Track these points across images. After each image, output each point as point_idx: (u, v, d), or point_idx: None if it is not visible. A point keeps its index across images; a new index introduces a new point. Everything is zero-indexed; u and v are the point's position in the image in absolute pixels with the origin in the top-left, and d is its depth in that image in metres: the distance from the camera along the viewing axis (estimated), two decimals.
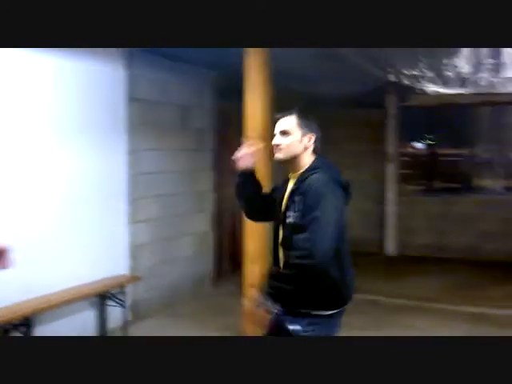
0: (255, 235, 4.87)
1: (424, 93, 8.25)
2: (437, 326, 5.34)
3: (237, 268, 6.07)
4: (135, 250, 5.45)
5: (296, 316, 2.50)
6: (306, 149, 2.58)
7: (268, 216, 2.78)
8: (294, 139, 2.56)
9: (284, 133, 2.59)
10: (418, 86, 7.81)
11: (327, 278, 2.42)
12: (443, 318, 5.59)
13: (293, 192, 2.52)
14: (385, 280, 6.94)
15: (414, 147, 9.97)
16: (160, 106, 5.76)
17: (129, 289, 5.26)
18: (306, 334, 2.49)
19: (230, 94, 5.57)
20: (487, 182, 9.30)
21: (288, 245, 2.47)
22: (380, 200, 8.72)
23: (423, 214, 8.73)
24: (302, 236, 2.36)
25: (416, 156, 9.92)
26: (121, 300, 5.03)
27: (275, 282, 2.46)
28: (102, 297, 5.05)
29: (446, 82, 7.54)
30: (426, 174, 9.65)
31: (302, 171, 2.55)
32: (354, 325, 4.79)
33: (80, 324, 4.85)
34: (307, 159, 2.58)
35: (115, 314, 5.09)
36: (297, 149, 2.57)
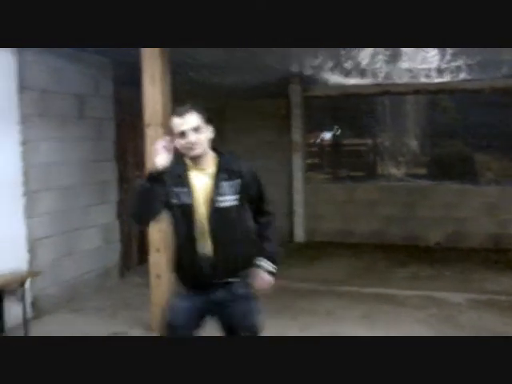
0: (158, 225, 4.80)
1: (326, 83, 8.46)
2: (339, 307, 5.50)
3: (145, 260, 5.97)
4: (34, 244, 5.23)
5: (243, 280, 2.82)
6: (208, 140, 2.76)
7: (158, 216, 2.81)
8: (207, 134, 2.73)
9: (196, 129, 2.69)
10: (319, 76, 7.99)
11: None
12: (347, 299, 5.76)
13: (221, 179, 2.72)
14: (294, 266, 7.06)
15: (319, 137, 10.20)
16: (55, 95, 5.54)
17: (29, 285, 5.06)
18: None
19: (130, 81, 5.45)
20: (389, 170, 9.66)
21: (229, 226, 2.74)
22: (289, 189, 8.85)
23: (330, 201, 8.94)
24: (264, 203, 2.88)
25: (321, 146, 10.16)
26: (20, 296, 4.82)
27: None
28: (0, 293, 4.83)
29: (346, 73, 7.75)
30: (331, 163, 9.90)
31: (217, 160, 2.78)
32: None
33: None
34: (209, 150, 2.78)
35: (15, 312, 4.87)
36: (207, 143, 2.75)
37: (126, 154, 6.78)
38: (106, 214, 6.31)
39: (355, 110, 9.62)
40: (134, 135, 6.59)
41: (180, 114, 2.70)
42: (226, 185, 2.72)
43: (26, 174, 5.14)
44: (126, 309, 5.48)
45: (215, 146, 2.82)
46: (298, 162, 8.84)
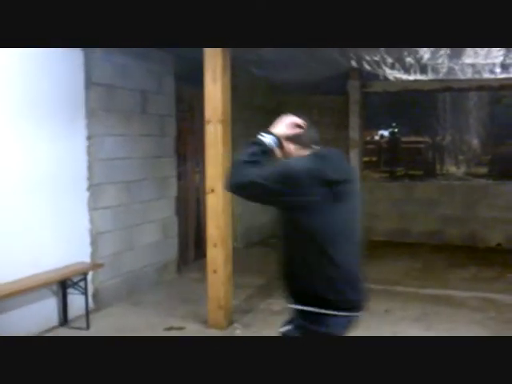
0: (217, 220, 4.89)
1: (385, 79, 8.35)
2: (395, 308, 5.44)
3: (201, 255, 6.08)
4: (97, 237, 5.39)
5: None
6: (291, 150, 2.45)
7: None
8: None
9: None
10: (379, 72, 7.89)
11: None
12: (403, 299, 5.69)
13: None
14: None
15: (377, 134, 10.09)
16: (120, 91, 5.69)
17: (91, 277, 5.22)
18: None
19: (191, 77, 5.54)
20: (449, 168, 9.47)
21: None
22: None
23: (387, 199, 8.84)
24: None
25: (379, 143, 10.04)
26: (83, 288, 4.99)
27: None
28: (63, 285, 5.00)
29: (406, 69, 7.63)
30: (389, 161, 9.77)
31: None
32: None
33: (41, 313, 4.80)
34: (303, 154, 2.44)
35: (77, 303, 5.04)
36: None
37: (185, 151, 6.89)
38: (165, 209, 6.44)
39: (415, 106, 9.46)
40: (194, 132, 6.70)
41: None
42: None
43: (91, 168, 5.30)
44: (183, 303, 5.57)
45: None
46: (354, 160, 8.75)
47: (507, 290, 6.00)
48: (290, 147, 2.45)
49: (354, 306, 2.42)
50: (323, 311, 2.29)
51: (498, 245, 8.13)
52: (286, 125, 2.48)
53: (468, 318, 5.10)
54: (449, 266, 7.11)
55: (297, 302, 2.37)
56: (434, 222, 8.51)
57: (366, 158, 9.38)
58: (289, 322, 2.42)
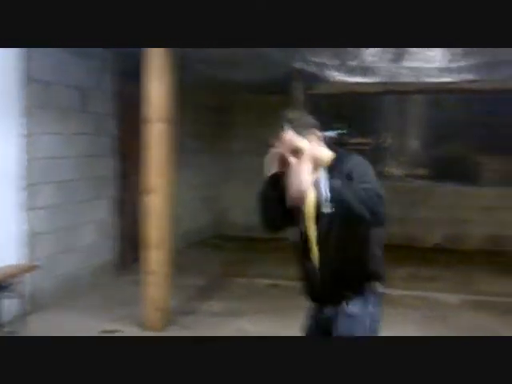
0: (156, 222, 4.83)
1: (329, 81, 8.43)
2: None
3: (140, 257, 5.98)
4: (32, 238, 5.24)
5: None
6: (318, 144, 2.46)
7: (286, 222, 2.54)
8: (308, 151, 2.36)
9: (295, 152, 2.37)
10: (323, 73, 7.96)
11: None
12: None
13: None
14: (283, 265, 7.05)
15: (323, 135, 10.17)
16: (57, 88, 5.54)
17: (26, 279, 5.07)
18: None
19: (132, 75, 5.45)
20: (391, 169, 9.65)
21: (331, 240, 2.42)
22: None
23: None
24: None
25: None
26: (17, 291, 4.85)
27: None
28: None
29: (350, 71, 7.72)
30: None
31: (329, 163, 2.41)
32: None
33: None
34: (324, 151, 2.47)
35: (12, 306, 4.89)
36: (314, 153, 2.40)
37: (126, 150, 6.78)
38: (102, 210, 6.32)
39: (359, 108, 9.59)
40: (135, 131, 6.59)
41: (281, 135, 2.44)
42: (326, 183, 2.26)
43: (26, 167, 5.14)
44: (120, 306, 5.47)
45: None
46: None
47: (443, 288, 6.16)
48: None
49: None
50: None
51: (437, 244, 8.34)
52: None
53: (403, 317, 5.20)
54: (388, 265, 7.20)
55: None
56: None
57: None
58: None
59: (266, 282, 6.33)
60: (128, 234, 6.95)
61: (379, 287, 2.57)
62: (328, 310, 2.51)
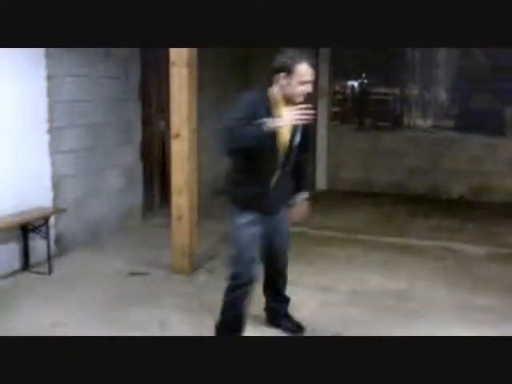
0: (183, 167, 4.82)
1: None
2: (357, 255, 5.53)
3: (167, 201, 6.02)
4: (58, 182, 5.28)
5: None
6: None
7: None
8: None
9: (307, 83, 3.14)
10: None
11: None
12: (366, 247, 5.78)
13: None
14: (314, 213, 7.06)
15: (346, 85, 10.01)
16: None
17: (53, 221, 5.14)
18: None
19: None
20: (416, 120, 9.49)
21: (291, 162, 3.32)
22: (313, 136, 8.77)
23: (353, 150, 8.86)
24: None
25: (348, 94, 9.98)
26: (44, 233, 4.92)
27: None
28: (25, 229, 4.92)
29: None
30: (357, 112, 9.75)
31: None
32: None
33: (2, 257, 4.74)
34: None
35: (40, 248, 4.98)
36: None
37: (150, 95, 6.74)
38: (129, 155, 6.32)
39: (384, 58, 9.38)
40: (159, 75, 6.54)
41: (310, 66, 3.08)
42: (299, 129, 3.22)
43: (51, 110, 5.13)
44: (148, 249, 5.55)
45: None
46: (323, 109, 8.72)
47: (467, 240, 6.13)
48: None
49: None
50: None
51: (461, 197, 8.27)
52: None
53: (428, 267, 5.21)
54: (411, 216, 7.22)
55: None
56: (398, 173, 8.59)
57: (334, 109, 9.34)
58: None
59: None
60: (155, 179, 6.99)
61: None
62: (271, 217, 3.38)
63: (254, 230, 3.29)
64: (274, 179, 3.27)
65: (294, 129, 3.20)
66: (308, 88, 3.10)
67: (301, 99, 3.10)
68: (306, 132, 3.36)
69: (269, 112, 3.07)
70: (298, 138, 3.25)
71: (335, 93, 9.52)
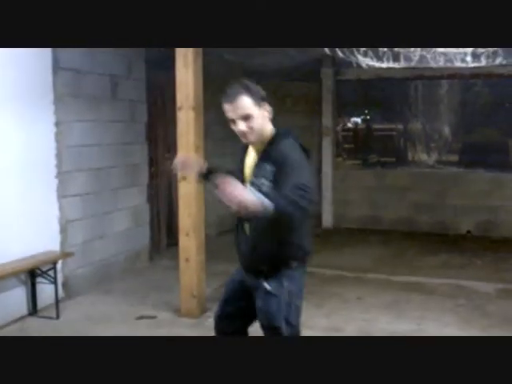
0: (190, 208, 4.84)
1: (358, 66, 8.33)
2: (367, 294, 5.48)
3: (174, 242, 6.02)
4: (66, 225, 5.30)
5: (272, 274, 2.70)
6: (265, 119, 2.65)
7: None
8: (257, 118, 2.58)
9: (247, 117, 2.56)
10: (352, 59, 7.88)
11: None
12: (374, 287, 5.73)
13: (262, 160, 2.60)
14: (321, 252, 7.03)
15: (350, 122, 10.09)
16: (89, 76, 5.56)
17: (60, 265, 5.14)
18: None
19: (162, 63, 5.45)
20: (420, 156, 9.53)
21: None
22: (317, 174, 8.80)
23: (359, 187, 8.87)
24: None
25: (351, 130, 10.05)
26: (52, 277, 4.90)
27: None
28: (32, 274, 4.91)
29: (379, 56, 7.63)
30: (361, 148, 9.81)
31: (267, 140, 2.63)
32: None
33: (10, 302, 4.72)
34: (269, 127, 2.66)
35: (47, 292, 4.96)
36: (261, 125, 2.61)
37: (156, 137, 6.80)
38: (136, 197, 6.35)
39: (387, 94, 9.47)
40: (165, 118, 6.61)
41: (229, 100, 2.55)
42: (267, 168, 2.54)
43: (59, 155, 5.19)
44: (155, 291, 5.53)
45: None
46: (327, 147, 8.78)
47: (476, 276, 6.08)
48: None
49: None
50: None
51: (468, 232, 8.24)
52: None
53: (439, 306, 5.16)
54: (420, 254, 7.18)
55: None
56: (405, 210, 8.58)
57: (339, 146, 9.39)
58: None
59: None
60: (162, 221, 7.00)
61: (296, 264, 2.75)
62: (249, 280, 2.76)
63: (235, 273, 2.96)
64: (246, 229, 2.73)
65: (261, 158, 2.61)
66: (240, 126, 2.56)
67: (246, 140, 2.63)
68: (281, 167, 2.50)
69: (245, 152, 2.79)
70: (263, 180, 2.54)
71: (339, 130, 9.59)
